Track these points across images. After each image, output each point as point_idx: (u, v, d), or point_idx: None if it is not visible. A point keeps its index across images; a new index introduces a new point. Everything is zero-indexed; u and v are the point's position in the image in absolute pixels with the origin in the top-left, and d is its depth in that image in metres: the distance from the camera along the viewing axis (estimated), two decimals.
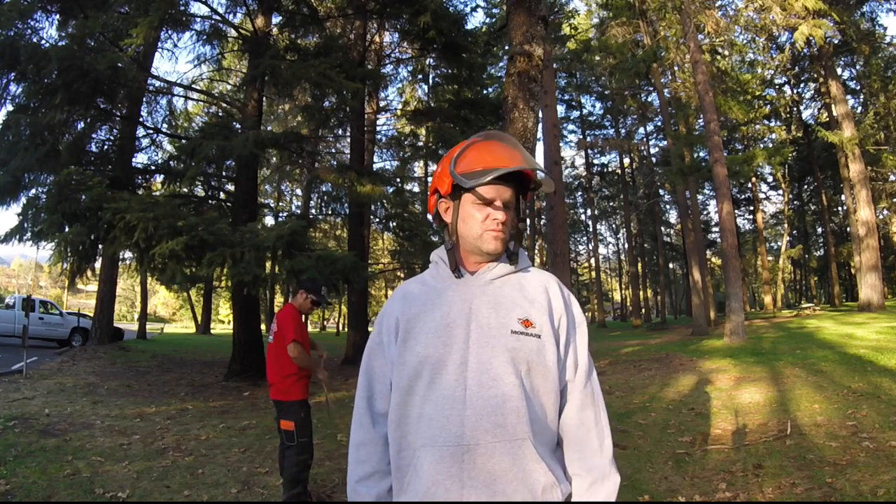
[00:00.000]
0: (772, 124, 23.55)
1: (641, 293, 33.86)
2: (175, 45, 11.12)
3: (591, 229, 38.09)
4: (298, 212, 20.85)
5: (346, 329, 19.65)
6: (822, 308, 22.81)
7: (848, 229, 24.97)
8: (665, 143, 24.54)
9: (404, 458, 1.00)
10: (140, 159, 22.71)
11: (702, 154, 17.91)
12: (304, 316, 3.45)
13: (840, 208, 28.83)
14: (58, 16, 8.47)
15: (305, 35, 11.51)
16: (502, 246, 1.06)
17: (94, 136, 9.35)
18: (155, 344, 17.56)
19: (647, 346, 12.90)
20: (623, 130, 31.37)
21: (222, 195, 11.04)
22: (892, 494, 2.91)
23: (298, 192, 27.85)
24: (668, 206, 33.13)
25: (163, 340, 20.58)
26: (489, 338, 1.00)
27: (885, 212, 25.86)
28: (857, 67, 21.41)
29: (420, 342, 1.02)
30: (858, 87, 22.32)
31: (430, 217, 1.16)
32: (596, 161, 34.74)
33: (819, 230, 32.66)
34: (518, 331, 1.01)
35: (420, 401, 1.00)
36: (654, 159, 30.81)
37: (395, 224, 12.25)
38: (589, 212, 36.90)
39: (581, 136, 32.68)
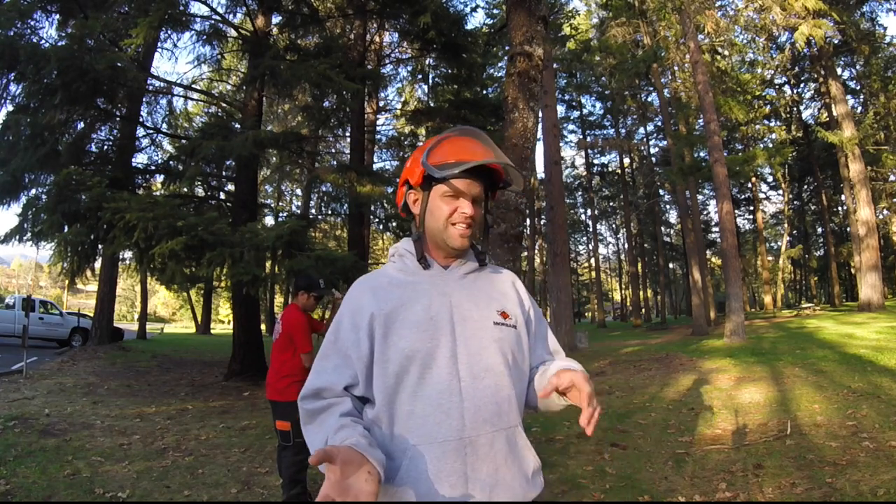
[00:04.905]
0: (772, 124, 23.56)
1: (641, 293, 33.86)
2: (175, 45, 11.12)
3: (591, 229, 38.14)
4: (298, 212, 20.85)
5: None
6: (822, 308, 22.82)
7: (848, 229, 24.96)
8: (665, 143, 24.55)
9: (395, 459, 0.96)
10: (140, 159, 22.75)
11: (702, 154, 17.88)
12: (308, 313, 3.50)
13: (840, 208, 28.82)
14: (58, 16, 8.47)
15: (305, 35, 11.51)
16: (468, 241, 1.06)
17: (94, 136, 9.35)
18: (155, 344, 17.55)
19: (648, 346, 12.90)
20: (623, 130, 31.39)
21: (222, 195, 11.04)
22: (892, 494, 2.91)
23: (298, 192, 27.87)
24: (668, 206, 33.17)
25: (163, 340, 20.58)
26: (475, 329, 1.02)
27: (885, 212, 25.82)
28: (857, 67, 21.40)
29: (404, 337, 0.99)
30: (858, 87, 22.32)
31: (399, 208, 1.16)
32: (596, 161, 34.81)
33: (819, 230, 32.66)
34: (499, 322, 1.05)
35: (409, 397, 0.97)
36: (654, 159, 30.83)
37: (395, 224, 12.24)
38: (589, 212, 36.95)
39: (581, 136, 32.73)
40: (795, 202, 32.21)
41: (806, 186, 31.60)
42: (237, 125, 9.77)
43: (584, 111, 32.82)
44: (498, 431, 0.98)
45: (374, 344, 1.00)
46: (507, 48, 6.74)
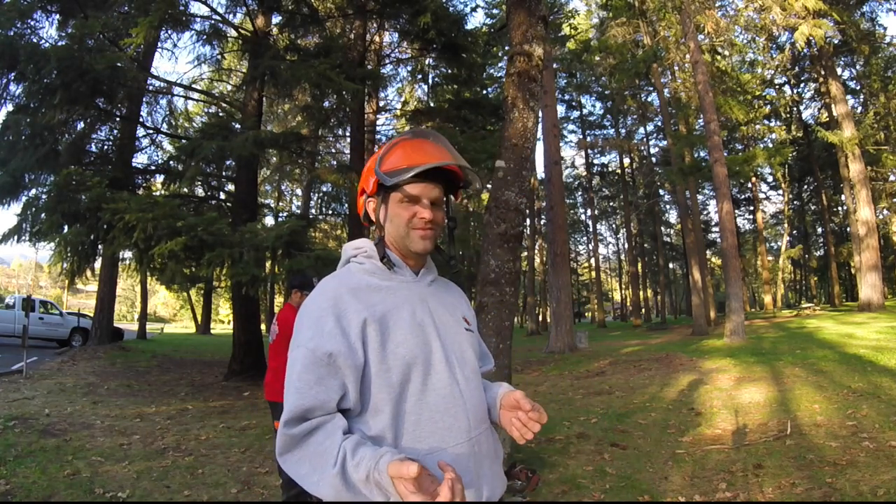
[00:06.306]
0: (772, 124, 23.54)
1: (641, 293, 33.85)
2: (175, 45, 11.17)
3: (591, 229, 38.09)
4: (298, 212, 20.85)
5: None
6: (822, 308, 22.83)
7: (848, 229, 24.95)
8: (665, 143, 24.54)
9: None
10: (140, 159, 22.75)
11: (702, 154, 17.89)
12: None
13: (840, 208, 28.79)
14: (58, 16, 8.48)
15: (305, 35, 11.50)
16: (431, 245, 1.04)
17: (94, 136, 9.38)
18: (155, 344, 17.55)
19: (648, 346, 12.89)
20: (623, 130, 31.38)
21: (222, 195, 11.04)
22: (892, 494, 2.91)
23: (298, 192, 27.84)
24: (668, 206, 33.14)
25: (163, 340, 20.57)
26: (454, 334, 1.06)
27: (885, 212, 25.82)
28: (857, 67, 21.39)
29: (401, 343, 0.96)
30: (858, 87, 22.30)
31: (361, 217, 1.13)
32: (596, 161, 34.79)
33: (819, 230, 32.62)
34: (467, 328, 1.12)
35: (414, 406, 0.95)
36: (654, 159, 30.80)
37: None
38: (589, 212, 36.90)
39: (581, 136, 32.71)
40: (795, 202, 32.18)
41: (806, 186, 31.58)
42: (237, 125, 9.78)
43: (584, 111, 32.83)
44: (488, 428, 1.06)
45: (368, 351, 0.93)
46: (507, 48, 6.74)
